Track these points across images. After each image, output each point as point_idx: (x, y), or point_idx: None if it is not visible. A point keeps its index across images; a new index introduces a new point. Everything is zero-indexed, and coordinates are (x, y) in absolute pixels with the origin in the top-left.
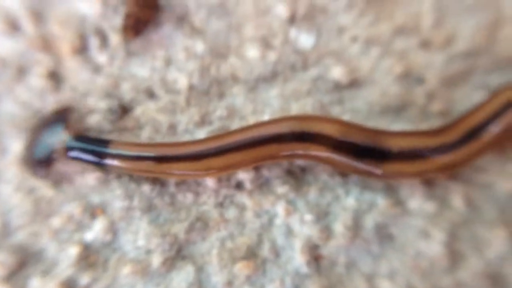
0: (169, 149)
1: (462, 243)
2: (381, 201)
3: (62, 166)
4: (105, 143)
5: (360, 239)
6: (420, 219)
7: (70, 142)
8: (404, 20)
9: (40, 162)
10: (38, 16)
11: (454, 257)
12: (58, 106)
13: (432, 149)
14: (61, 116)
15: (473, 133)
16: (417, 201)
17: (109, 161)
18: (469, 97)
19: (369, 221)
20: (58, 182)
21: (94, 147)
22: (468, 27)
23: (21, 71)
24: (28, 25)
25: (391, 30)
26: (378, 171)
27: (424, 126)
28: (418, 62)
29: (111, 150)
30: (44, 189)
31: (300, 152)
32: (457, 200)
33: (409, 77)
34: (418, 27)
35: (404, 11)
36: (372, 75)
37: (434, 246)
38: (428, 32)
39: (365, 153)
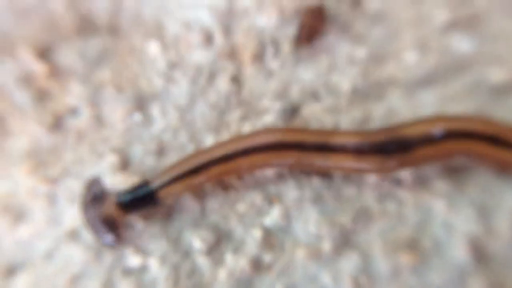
0: (200, 158)
1: None
2: None
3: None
4: (147, 183)
5: None
6: None
7: (120, 200)
8: None
9: (108, 237)
10: (227, 30)
11: None
12: (85, 182)
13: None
14: (96, 185)
15: None
16: None
17: (162, 196)
18: None
19: None
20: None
21: (141, 193)
22: None
23: (212, 77)
24: (219, 38)
25: None
26: (407, 162)
27: None
28: None
29: (156, 185)
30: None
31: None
32: None
33: None
34: None
35: None
36: None
37: None
38: None
39: (389, 148)
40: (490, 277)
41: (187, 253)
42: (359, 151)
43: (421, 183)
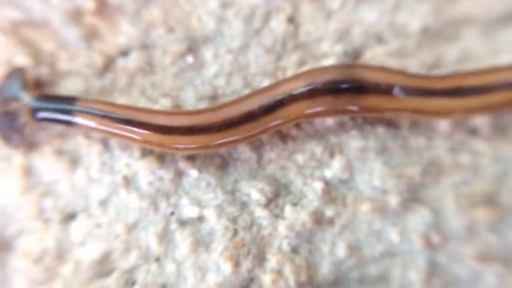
0: (139, 114)
1: None
2: None
3: None
4: (72, 100)
5: None
6: None
7: (34, 103)
8: None
9: (9, 132)
10: None
11: None
12: (9, 70)
13: (408, 88)
14: (16, 79)
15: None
16: None
17: (79, 119)
18: None
19: None
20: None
21: (61, 106)
22: None
23: (266, 17)
24: None
25: None
26: (355, 106)
27: None
28: None
29: (80, 107)
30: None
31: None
32: None
33: None
34: None
35: None
36: None
37: None
38: None
39: (340, 88)
40: None
41: (244, 205)
42: (313, 94)
43: (499, 131)
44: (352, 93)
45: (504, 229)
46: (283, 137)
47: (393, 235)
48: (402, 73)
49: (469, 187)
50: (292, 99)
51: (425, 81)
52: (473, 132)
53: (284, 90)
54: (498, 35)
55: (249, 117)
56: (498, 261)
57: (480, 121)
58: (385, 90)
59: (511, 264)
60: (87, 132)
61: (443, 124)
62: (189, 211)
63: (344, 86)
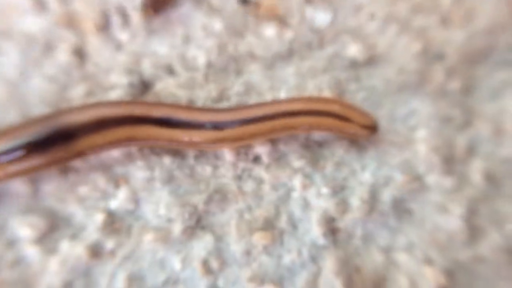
0: None
1: (481, 218)
2: (399, 176)
3: None
4: None
5: (377, 212)
6: (438, 194)
7: None
8: None
9: None
10: None
11: (473, 231)
12: None
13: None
14: None
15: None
16: (435, 176)
17: None
18: (489, 74)
19: (386, 195)
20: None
21: None
22: (490, 3)
23: (48, 47)
24: (54, 3)
25: (410, 8)
26: (69, 153)
27: (443, 103)
28: (437, 39)
29: None
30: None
31: None
32: (476, 175)
33: (428, 54)
34: (438, 4)
35: None
36: (389, 52)
37: (452, 221)
38: (448, 9)
39: (49, 141)
40: (341, 254)
41: (12, 242)
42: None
43: (277, 159)
44: (61, 141)
45: (278, 251)
46: (65, 169)
47: (176, 263)
48: (114, 103)
49: (250, 213)
50: None
51: (141, 109)
52: (256, 160)
53: None
54: (278, 70)
55: None
56: (271, 281)
57: (262, 149)
58: (96, 127)
59: (282, 283)
60: None
61: (228, 153)
62: None
63: (49, 138)
